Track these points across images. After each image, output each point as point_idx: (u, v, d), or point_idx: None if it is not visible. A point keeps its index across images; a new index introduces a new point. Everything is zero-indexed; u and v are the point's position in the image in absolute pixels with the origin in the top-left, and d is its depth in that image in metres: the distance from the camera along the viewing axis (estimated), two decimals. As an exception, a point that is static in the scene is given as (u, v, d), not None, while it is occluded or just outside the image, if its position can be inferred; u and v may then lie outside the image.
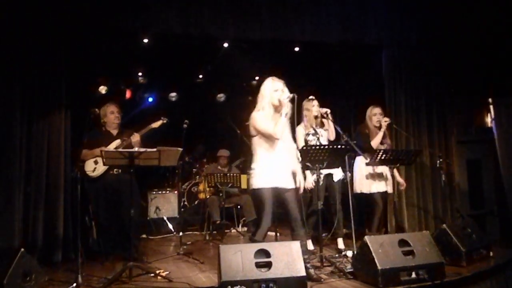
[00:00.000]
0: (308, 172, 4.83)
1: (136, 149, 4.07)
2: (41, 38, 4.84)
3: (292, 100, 3.71)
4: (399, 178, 5.29)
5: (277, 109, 3.79)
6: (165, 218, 6.93)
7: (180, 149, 4.12)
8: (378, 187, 5.10)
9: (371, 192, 5.09)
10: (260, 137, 3.81)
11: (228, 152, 7.02)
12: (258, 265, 3.39)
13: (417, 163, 5.89)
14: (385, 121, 5.04)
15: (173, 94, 8.47)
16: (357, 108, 5.86)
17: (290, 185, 3.84)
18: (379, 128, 5.14)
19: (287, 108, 3.68)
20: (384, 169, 5.06)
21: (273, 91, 3.81)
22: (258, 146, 3.84)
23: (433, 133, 6.16)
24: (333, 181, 5.02)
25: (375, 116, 5.19)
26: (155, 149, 4.00)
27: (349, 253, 4.64)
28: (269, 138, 3.76)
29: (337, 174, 5.04)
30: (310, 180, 4.81)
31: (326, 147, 4.29)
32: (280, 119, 3.68)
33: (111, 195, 4.80)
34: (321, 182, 4.75)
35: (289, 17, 5.63)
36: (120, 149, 4.32)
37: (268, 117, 3.78)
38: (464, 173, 6.47)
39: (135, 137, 4.74)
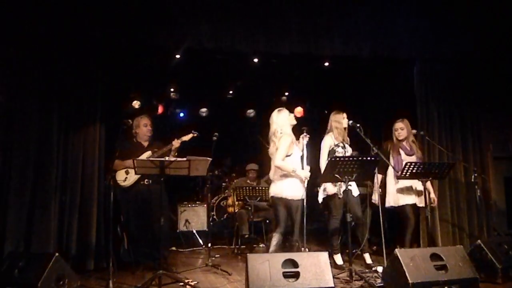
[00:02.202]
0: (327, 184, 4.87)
1: (166, 158, 4.14)
2: (78, 54, 5.04)
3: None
4: (432, 194, 5.15)
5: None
6: (194, 231, 6.98)
7: (210, 159, 4.16)
8: (407, 199, 5.00)
9: (399, 205, 4.99)
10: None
11: (257, 166, 7.04)
12: (286, 275, 3.37)
13: (451, 178, 5.76)
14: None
15: (204, 109, 8.62)
16: (387, 123, 5.79)
17: (300, 196, 4.40)
18: (401, 141, 5.14)
19: (303, 146, 4.47)
20: (414, 182, 4.94)
21: (291, 123, 4.57)
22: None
23: (467, 149, 6.00)
24: (353, 196, 4.94)
25: (397, 132, 5.20)
26: (185, 159, 4.07)
27: (380, 269, 4.54)
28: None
29: (355, 189, 4.98)
30: (330, 188, 4.87)
31: (356, 159, 4.25)
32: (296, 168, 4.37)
33: (142, 205, 4.91)
34: (340, 196, 4.77)
35: (319, 32, 5.66)
36: (151, 158, 4.40)
37: (291, 143, 4.44)
38: (501, 190, 6.25)
39: (177, 143, 4.83)
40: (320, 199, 5.08)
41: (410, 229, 5.01)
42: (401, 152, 5.09)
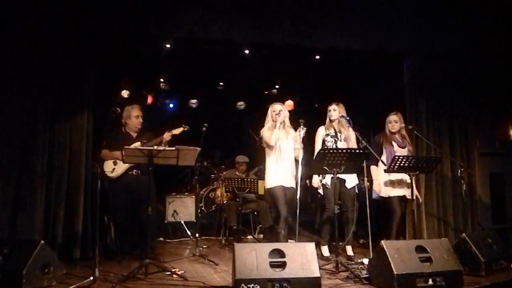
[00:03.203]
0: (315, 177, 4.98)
1: (155, 147, 4.12)
2: (67, 40, 4.98)
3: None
4: (416, 191, 5.18)
5: (274, 124, 4.88)
6: (182, 222, 6.97)
7: (198, 148, 4.16)
8: (395, 191, 5.02)
9: (389, 196, 5.03)
10: (267, 148, 4.95)
11: (247, 158, 7.04)
12: (273, 265, 3.39)
13: (438, 173, 5.82)
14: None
15: (194, 101, 8.58)
16: (378, 117, 5.82)
17: (290, 184, 4.83)
18: (394, 134, 5.16)
19: (278, 123, 4.81)
20: (404, 175, 4.97)
21: (272, 111, 5.00)
22: (267, 154, 4.96)
23: (454, 144, 6.07)
24: (346, 188, 4.99)
25: (390, 124, 5.20)
26: (173, 148, 4.06)
27: (365, 261, 4.57)
28: (268, 146, 4.87)
29: (350, 181, 5.01)
30: (315, 180, 5.06)
31: (344, 151, 4.27)
32: (275, 130, 4.80)
33: (130, 195, 4.88)
34: (325, 182, 4.89)
35: (311, 23, 5.65)
36: (139, 147, 4.36)
37: (270, 130, 4.92)
38: (486, 186, 6.32)
39: (168, 136, 4.82)
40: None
41: (396, 222, 5.02)
42: (394, 144, 5.12)
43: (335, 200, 4.77)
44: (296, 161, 4.85)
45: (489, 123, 6.49)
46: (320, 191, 5.08)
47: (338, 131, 5.02)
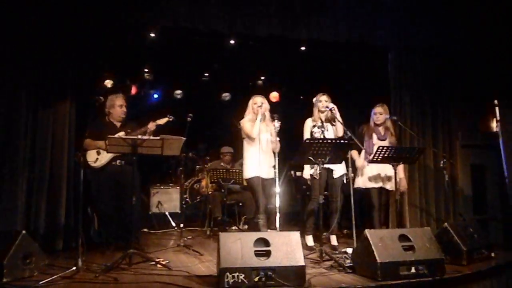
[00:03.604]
0: (306, 166, 4.97)
1: (139, 136, 4.07)
2: (49, 27, 4.89)
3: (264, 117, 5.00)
4: (402, 175, 5.23)
5: (255, 116, 4.97)
6: (166, 213, 6.94)
7: (183, 138, 4.12)
8: (373, 183, 5.10)
9: (366, 188, 5.10)
10: (245, 140, 5.06)
11: (231, 149, 7.03)
12: (257, 254, 3.39)
13: (421, 164, 5.89)
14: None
15: (179, 91, 8.51)
16: (362, 108, 5.85)
17: (270, 175, 4.96)
18: (378, 125, 5.21)
19: (260, 116, 4.91)
20: (383, 167, 5.01)
21: (253, 104, 5.08)
22: (247, 144, 5.08)
23: (437, 136, 6.15)
24: (333, 177, 5.02)
25: (375, 115, 5.25)
26: (158, 138, 4.02)
27: (349, 250, 4.62)
28: (249, 138, 4.95)
29: (338, 170, 5.03)
30: (306, 172, 5.06)
31: (330, 141, 4.29)
32: (256, 122, 4.90)
33: (114, 186, 4.83)
34: (318, 176, 4.84)
35: (296, 15, 5.65)
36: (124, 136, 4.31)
37: (250, 122, 4.99)
38: (468, 177, 6.42)
39: (152, 126, 4.77)
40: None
41: (376, 213, 5.10)
42: (374, 136, 5.16)
43: (321, 190, 4.80)
44: (274, 153, 4.92)
45: (471, 115, 6.57)
46: (308, 181, 5.08)
47: (326, 121, 5.03)
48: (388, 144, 5.10)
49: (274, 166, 4.86)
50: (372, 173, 5.12)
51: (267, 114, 5.03)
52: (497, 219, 6.35)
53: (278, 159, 4.80)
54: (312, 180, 4.97)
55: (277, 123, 4.78)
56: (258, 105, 5.00)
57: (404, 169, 5.40)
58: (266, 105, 5.08)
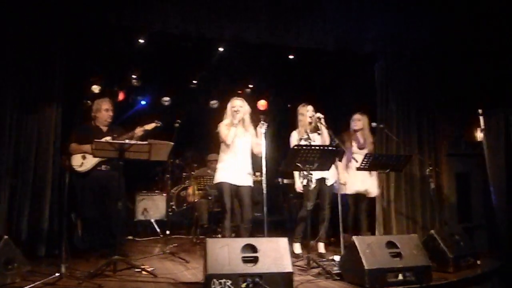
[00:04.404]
0: (296, 174, 4.91)
1: (127, 141, 4.03)
2: (36, 30, 4.83)
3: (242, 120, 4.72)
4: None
5: (233, 121, 4.66)
6: (152, 221, 6.85)
7: (172, 143, 4.09)
8: (348, 189, 5.22)
9: (341, 194, 5.15)
10: (222, 143, 4.73)
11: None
12: (245, 260, 3.36)
13: (407, 172, 5.91)
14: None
15: (166, 98, 8.46)
16: (350, 116, 5.89)
17: (244, 183, 4.62)
18: (357, 131, 5.37)
19: (236, 120, 4.62)
20: (360, 174, 5.14)
21: (231, 107, 4.76)
22: (222, 149, 4.78)
23: (423, 144, 6.19)
24: (326, 185, 5.03)
25: (353, 122, 5.41)
26: (146, 142, 3.98)
27: (336, 258, 4.61)
28: (223, 142, 4.68)
29: (331, 179, 5.06)
30: (298, 183, 4.98)
31: (317, 148, 4.29)
32: (232, 128, 4.62)
33: (98, 191, 4.77)
34: (312, 186, 4.79)
35: (286, 22, 5.67)
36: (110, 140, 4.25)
37: (228, 126, 4.69)
38: (453, 186, 6.46)
39: (140, 131, 4.73)
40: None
41: (349, 217, 5.27)
42: (353, 144, 5.26)
43: (313, 198, 4.85)
44: (256, 157, 4.71)
45: (456, 124, 6.64)
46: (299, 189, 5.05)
47: (311, 131, 5.04)
48: (368, 151, 5.17)
49: (256, 173, 4.78)
50: (350, 180, 5.23)
51: (247, 117, 4.76)
52: (482, 227, 6.40)
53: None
54: (305, 188, 4.91)
55: (263, 126, 4.50)
56: (235, 109, 4.69)
57: (390, 176, 5.47)
58: (245, 108, 4.76)
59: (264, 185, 4.40)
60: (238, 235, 6.22)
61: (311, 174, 4.48)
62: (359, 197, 5.30)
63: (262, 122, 4.54)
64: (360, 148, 5.29)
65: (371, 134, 5.50)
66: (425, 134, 6.22)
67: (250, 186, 4.64)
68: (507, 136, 5.60)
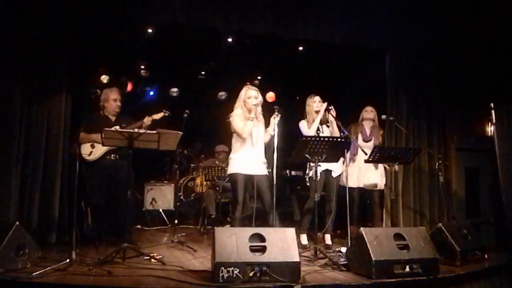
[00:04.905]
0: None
1: (136, 130, 4.05)
2: (44, 20, 4.87)
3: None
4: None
5: (249, 112, 4.49)
6: (160, 210, 6.91)
7: (180, 132, 4.10)
8: (353, 183, 5.23)
9: (348, 187, 5.11)
10: (235, 134, 4.57)
11: (226, 147, 7.01)
12: (253, 249, 3.38)
13: (415, 166, 5.91)
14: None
15: (175, 89, 8.49)
16: (359, 110, 5.88)
17: (261, 172, 4.52)
18: (367, 120, 5.41)
19: (253, 114, 4.44)
20: (366, 167, 5.19)
21: (246, 98, 4.55)
22: (235, 140, 4.60)
23: (433, 138, 6.18)
24: (332, 177, 5.02)
25: (366, 112, 5.47)
26: (154, 131, 4.00)
27: (343, 249, 4.63)
28: (239, 136, 4.49)
29: (337, 171, 5.05)
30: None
31: (326, 139, 4.29)
32: (248, 122, 4.42)
33: (107, 180, 4.81)
34: (318, 177, 4.81)
35: (293, 14, 5.65)
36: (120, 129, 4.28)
37: (241, 117, 4.51)
38: (462, 180, 6.44)
39: (148, 120, 4.74)
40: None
41: (354, 211, 5.22)
42: (359, 137, 5.26)
43: (319, 190, 4.82)
44: (269, 147, 4.61)
45: (466, 119, 6.61)
46: (307, 181, 5.07)
47: (321, 124, 5.04)
48: (373, 144, 5.15)
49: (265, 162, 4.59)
50: (353, 173, 5.25)
51: (259, 108, 4.61)
52: (490, 222, 6.37)
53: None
54: (311, 180, 4.92)
55: (277, 117, 4.41)
56: (253, 103, 4.50)
57: (399, 169, 5.48)
58: (261, 99, 4.61)
59: (274, 176, 4.39)
60: (245, 225, 6.29)
61: (320, 166, 4.49)
62: (364, 191, 5.30)
63: (276, 113, 4.45)
64: (365, 140, 5.27)
65: (380, 127, 5.48)
66: (434, 128, 6.21)
67: (266, 174, 4.54)
68: (517, 131, 5.56)
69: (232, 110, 4.64)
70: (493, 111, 5.70)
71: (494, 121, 5.69)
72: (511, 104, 5.80)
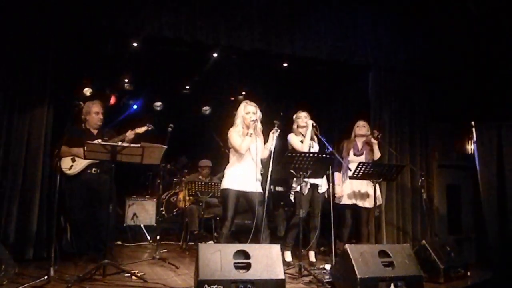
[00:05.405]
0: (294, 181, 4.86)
1: (119, 143, 3.97)
2: (29, 30, 4.79)
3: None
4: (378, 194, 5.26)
5: (247, 128, 4.42)
6: (142, 226, 6.78)
7: (164, 146, 4.04)
8: (347, 200, 5.16)
9: (340, 204, 5.14)
10: (232, 149, 4.49)
11: (209, 162, 6.96)
12: (237, 266, 3.33)
13: (398, 183, 5.96)
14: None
15: (158, 103, 8.43)
16: (343, 125, 5.93)
17: (255, 189, 4.37)
18: (361, 137, 5.32)
19: (251, 130, 4.35)
20: (359, 184, 5.12)
21: (245, 113, 4.47)
22: (232, 155, 4.52)
23: (415, 155, 6.25)
24: (318, 192, 5.00)
25: (358, 127, 5.36)
26: (138, 145, 3.94)
27: (327, 266, 4.59)
28: (236, 152, 4.39)
29: (323, 185, 5.04)
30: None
31: (311, 155, 4.29)
32: (246, 137, 4.33)
33: (88, 194, 4.69)
34: (306, 192, 4.80)
35: (280, 30, 5.71)
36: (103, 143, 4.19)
37: (239, 133, 4.44)
38: (443, 197, 6.52)
39: (131, 134, 4.66)
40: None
41: (346, 229, 5.17)
42: (350, 152, 5.23)
43: (307, 205, 4.83)
44: (264, 162, 4.55)
45: (447, 136, 6.72)
46: (291, 197, 5.03)
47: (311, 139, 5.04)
48: (365, 160, 5.15)
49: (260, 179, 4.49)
50: (346, 190, 5.18)
51: (258, 124, 4.51)
52: (471, 239, 6.43)
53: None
54: (298, 196, 4.83)
55: (276, 133, 4.35)
56: (251, 119, 4.39)
57: (381, 186, 5.46)
58: (259, 114, 4.50)
59: (266, 191, 4.34)
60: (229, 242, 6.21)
61: (305, 181, 4.47)
62: (358, 208, 5.19)
63: (276, 128, 4.38)
64: (356, 155, 5.23)
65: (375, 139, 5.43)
66: (417, 145, 6.27)
67: (260, 192, 4.39)
68: (499, 149, 5.65)
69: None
70: (473, 129, 5.79)
71: (475, 138, 5.77)
72: (492, 121, 5.91)
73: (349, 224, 5.20)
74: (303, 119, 5.06)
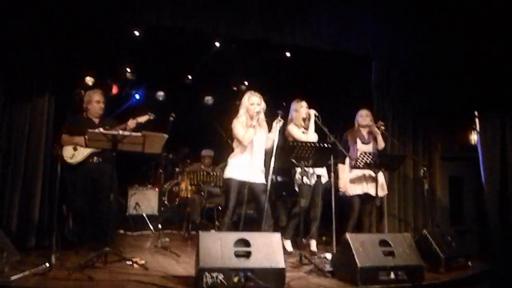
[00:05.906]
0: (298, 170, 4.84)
1: (120, 132, 3.97)
2: (29, 20, 4.78)
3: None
4: (384, 184, 5.24)
5: (251, 119, 4.45)
6: (144, 215, 6.81)
7: (166, 135, 4.04)
8: (357, 189, 5.08)
9: (349, 195, 5.10)
10: (236, 140, 4.53)
11: (211, 152, 6.97)
12: (237, 254, 3.34)
13: (400, 173, 5.94)
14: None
15: (161, 93, 8.42)
16: (345, 115, 5.90)
17: (258, 180, 4.44)
18: (363, 127, 5.26)
19: (255, 121, 4.39)
20: (366, 172, 5.04)
21: (249, 104, 4.49)
22: (235, 145, 4.55)
23: (417, 146, 6.23)
24: (321, 182, 4.99)
25: (361, 117, 5.29)
26: (139, 134, 3.93)
27: (328, 256, 4.59)
28: (239, 143, 4.42)
29: (325, 176, 5.03)
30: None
31: (313, 144, 4.28)
32: (250, 129, 4.37)
33: (90, 183, 4.71)
34: (312, 182, 4.83)
35: (281, 20, 5.66)
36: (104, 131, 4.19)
37: (243, 124, 4.47)
38: (446, 188, 6.49)
39: (132, 123, 4.66)
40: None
41: (352, 220, 5.10)
42: (358, 140, 5.18)
43: (310, 195, 4.82)
44: (267, 152, 4.53)
45: (450, 127, 6.68)
46: (296, 187, 4.99)
47: (306, 128, 5.03)
48: (372, 148, 5.12)
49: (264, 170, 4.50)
50: (355, 180, 5.10)
51: (262, 115, 4.53)
52: (473, 231, 6.42)
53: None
54: (301, 185, 4.81)
55: (279, 123, 4.37)
56: (256, 110, 4.43)
57: (385, 176, 5.44)
58: (263, 105, 4.53)
59: (269, 182, 4.34)
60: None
61: (307, 171, 4.47)
62: (366, 198, 5.13)
63: (279, 118, 4.40)
64: (365, 143, 5.17)
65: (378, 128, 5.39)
66: (419, 136, 6.25)
67: (263, 183, 4.44)
68: (502, 139, 5.60)
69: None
70: (477, 120, 5.74)
71: (478, 129, 5.73)
72: (495, 112, 5.86)
73: (357, 215, 5.11)
74: (304, 108, 5.03)
